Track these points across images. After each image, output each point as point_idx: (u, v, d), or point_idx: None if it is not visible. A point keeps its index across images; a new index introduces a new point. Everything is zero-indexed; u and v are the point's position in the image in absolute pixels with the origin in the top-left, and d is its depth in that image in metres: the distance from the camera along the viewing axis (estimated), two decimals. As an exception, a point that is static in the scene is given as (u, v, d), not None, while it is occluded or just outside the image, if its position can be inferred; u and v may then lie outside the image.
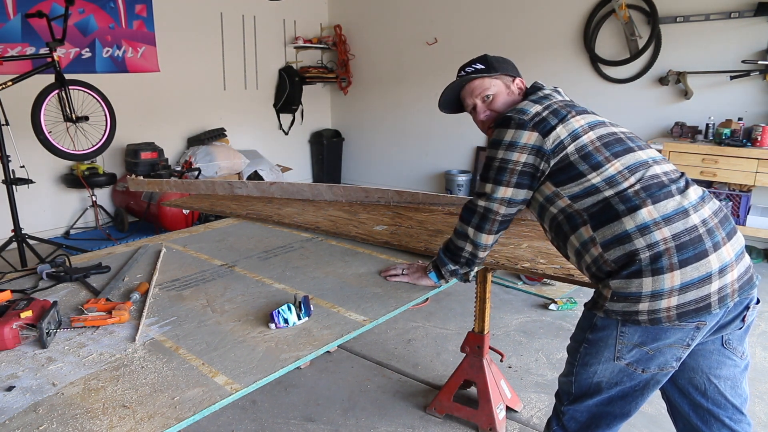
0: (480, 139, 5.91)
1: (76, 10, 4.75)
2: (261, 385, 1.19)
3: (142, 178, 3.57)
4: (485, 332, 2.25)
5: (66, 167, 4.96)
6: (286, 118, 6.75)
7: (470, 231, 1.51)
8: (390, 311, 1.53)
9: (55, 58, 3.71)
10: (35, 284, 1.72)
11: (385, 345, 3.00)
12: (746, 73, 4.25)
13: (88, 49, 4.94)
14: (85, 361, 1.26)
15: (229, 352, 1.30)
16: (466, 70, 1.62)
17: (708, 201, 1.31)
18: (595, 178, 1.32)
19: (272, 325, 1.41)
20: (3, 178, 3.80)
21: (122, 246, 2.15)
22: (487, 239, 1.51)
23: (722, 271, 1.23)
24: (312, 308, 1.51)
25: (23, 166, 3.91)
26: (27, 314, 1.35)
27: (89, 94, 3.93)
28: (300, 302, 1.47)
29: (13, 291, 1.58)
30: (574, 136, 1.37)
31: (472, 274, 1.65)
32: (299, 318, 1.44)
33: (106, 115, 3.99)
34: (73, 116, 3.82)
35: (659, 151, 4.37)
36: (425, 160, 6.45)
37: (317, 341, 1.35)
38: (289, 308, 1.44)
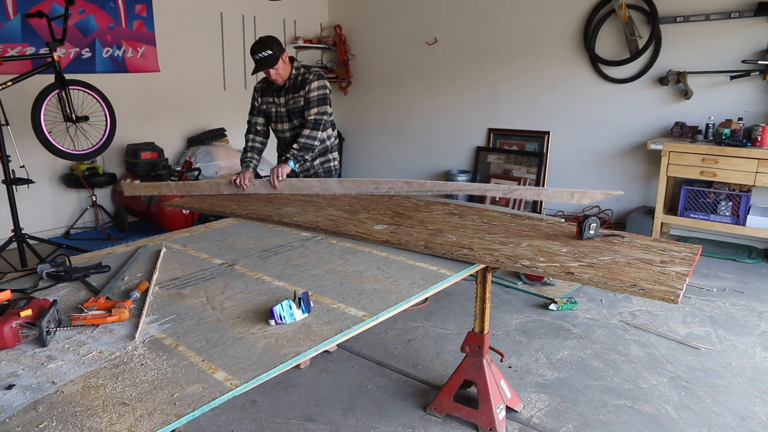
0: (480, 139, 5.92)
1: (76, 10, 4.75)
2: (261, 380, 1.19)
3: (138, 182, 3.23)
4: (485, 332, 2.25)
5: (66, 167, 4.96)
6: (286, 118, 6.75)
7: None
8: (390, 306, 1.53)
9: (55, 58, 3.72)
10: (35, 284, 1.72)
11: (385, 345, 3.00)
12: (746, 73, 4.25)
13: (88, 49, 4.95)
14: (84, 359, 1.26)
15: (229, 349, 1.29)
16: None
17: None
18: None
19: (272, 322, 1.41)
20: (3, 178, 3.80)
21: (122, 246, 2.14)
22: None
23: None
24: (312, 304, 1.51)
25: (23, 166, 3.91)
26: (26, 313, 1.34)
27: (89, 94, 3.93)
28: (300, 298, 1.47)
29: (13, 291, 1.58)
30: None
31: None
32: (299, 313, 1.44)
33: (106, 115, 4.00)
34: (73, 116, 3.82)
35: (659, 151, 4.40)
36: (425, 160, 6.45)
37: (317, 336, 1.35)
38: (289, 304, 1.44)
